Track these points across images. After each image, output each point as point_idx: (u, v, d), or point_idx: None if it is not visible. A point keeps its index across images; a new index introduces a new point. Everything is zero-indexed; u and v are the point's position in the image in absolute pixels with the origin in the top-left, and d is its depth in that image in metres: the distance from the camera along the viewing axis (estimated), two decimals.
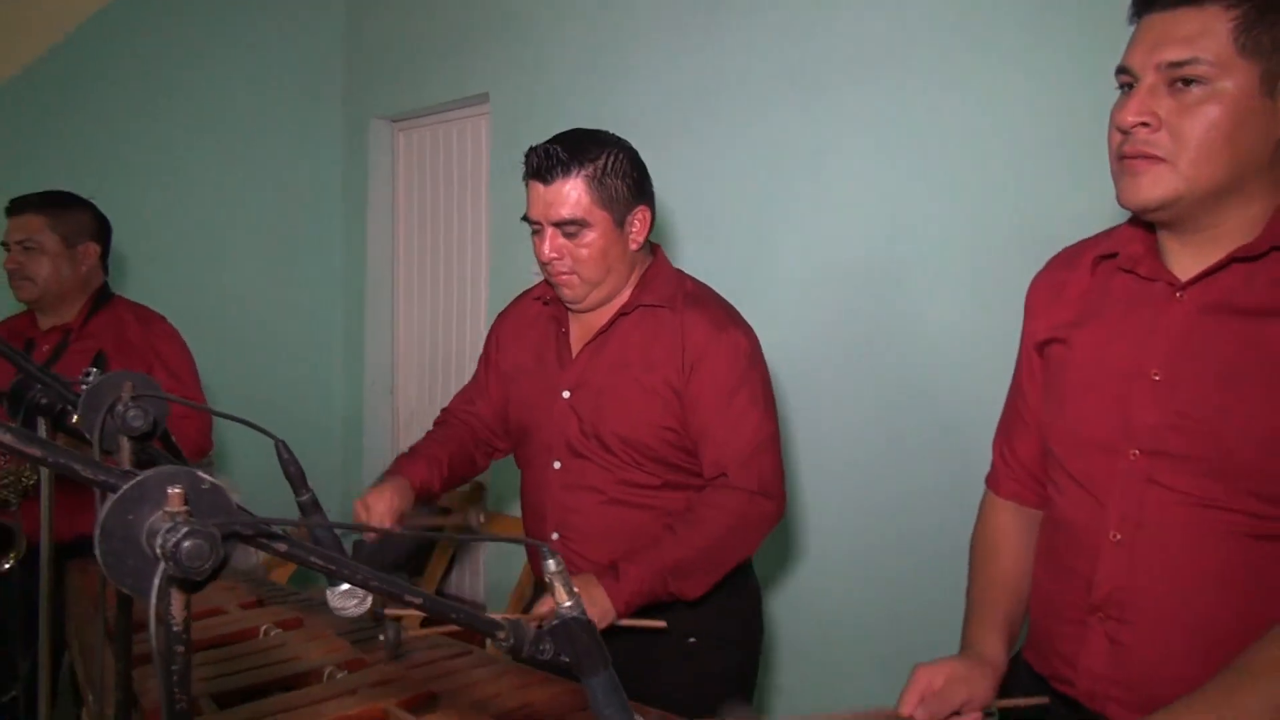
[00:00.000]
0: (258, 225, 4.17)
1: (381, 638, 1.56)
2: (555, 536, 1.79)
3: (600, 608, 1.54)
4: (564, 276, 1.71)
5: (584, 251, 1.68)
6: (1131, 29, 1.17)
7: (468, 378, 3.87)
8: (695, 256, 2.71)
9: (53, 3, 3.79)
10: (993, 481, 1.48)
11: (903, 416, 2.35)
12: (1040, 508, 1.42)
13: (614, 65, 3.02)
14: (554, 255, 1.69)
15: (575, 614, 0.90)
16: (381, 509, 1.69)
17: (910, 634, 2.26)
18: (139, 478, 0.68)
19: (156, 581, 0.65)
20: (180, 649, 0.69)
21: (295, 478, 1.26)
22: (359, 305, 4.26)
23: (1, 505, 2.18)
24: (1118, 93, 1.18)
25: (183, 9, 3.96)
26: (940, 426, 2.25)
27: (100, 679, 1.58)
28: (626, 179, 1.71)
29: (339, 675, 1.45)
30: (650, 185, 1.77)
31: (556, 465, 1.79)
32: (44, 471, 1.47)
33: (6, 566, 2.17)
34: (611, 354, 1.76)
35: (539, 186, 1.68)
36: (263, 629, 1.62)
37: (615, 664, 0.90)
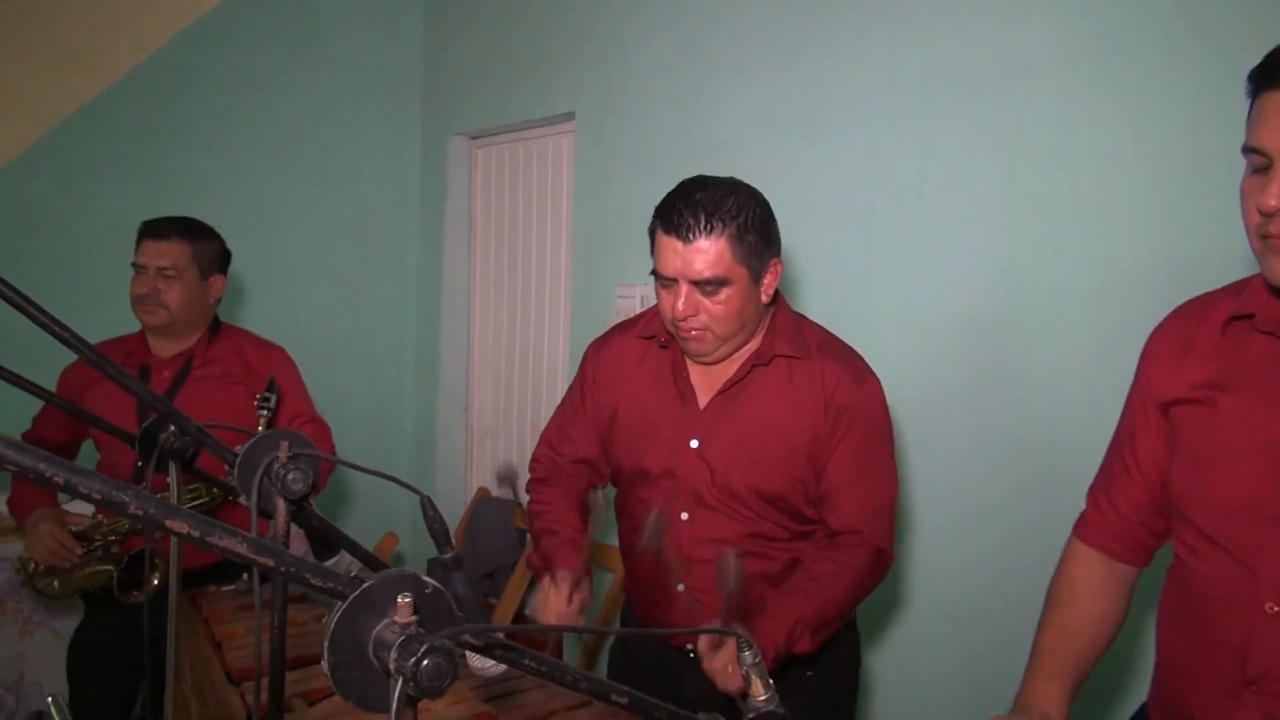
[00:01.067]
0: (336, 242, 4.21)
1: None
2: (681, 588, 1.75)
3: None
4: (695, 334, 1.66)
5: (719, 309, 1.63)
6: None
7: (543, 395, 3.96)
8: (788, 292, 2.65)
9: (135, 25, 3.83)
10: (1082, 530, 1.44)
11: (1018, 466, 2.25)
12: (1131, 563, 1.40)
13: (704, 84, 2.97)
14: (688, 312, 1.63)
15: (771, 708, 0.86)
16: (565, 610, 1.68)
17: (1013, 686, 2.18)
18: (365, 585, 0.65)
19: (394, 703, 0.62)
20: None
21: (439, 535, 1.24)
22: (434, 321, 4.26)
23: (97, 549, 2.19)
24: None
25: (262, 30, 4.01)
26: (1056, 474, 2.16)
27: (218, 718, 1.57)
28: (762, 232, 1.65)
29: None
30: (778, 234, 1.71)
31: (684, 516, 1.74)
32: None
33: (143, 594, 2.17)
34: (746, 404, 1.71)
35: (676, 244, 1.61)
36: None
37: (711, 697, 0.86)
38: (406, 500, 4.28)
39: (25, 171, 3.65)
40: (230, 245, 2.50)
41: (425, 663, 0.62)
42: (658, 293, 1.69)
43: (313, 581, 0.64)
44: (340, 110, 4.18)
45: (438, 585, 0.67)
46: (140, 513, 0.59)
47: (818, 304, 2.60)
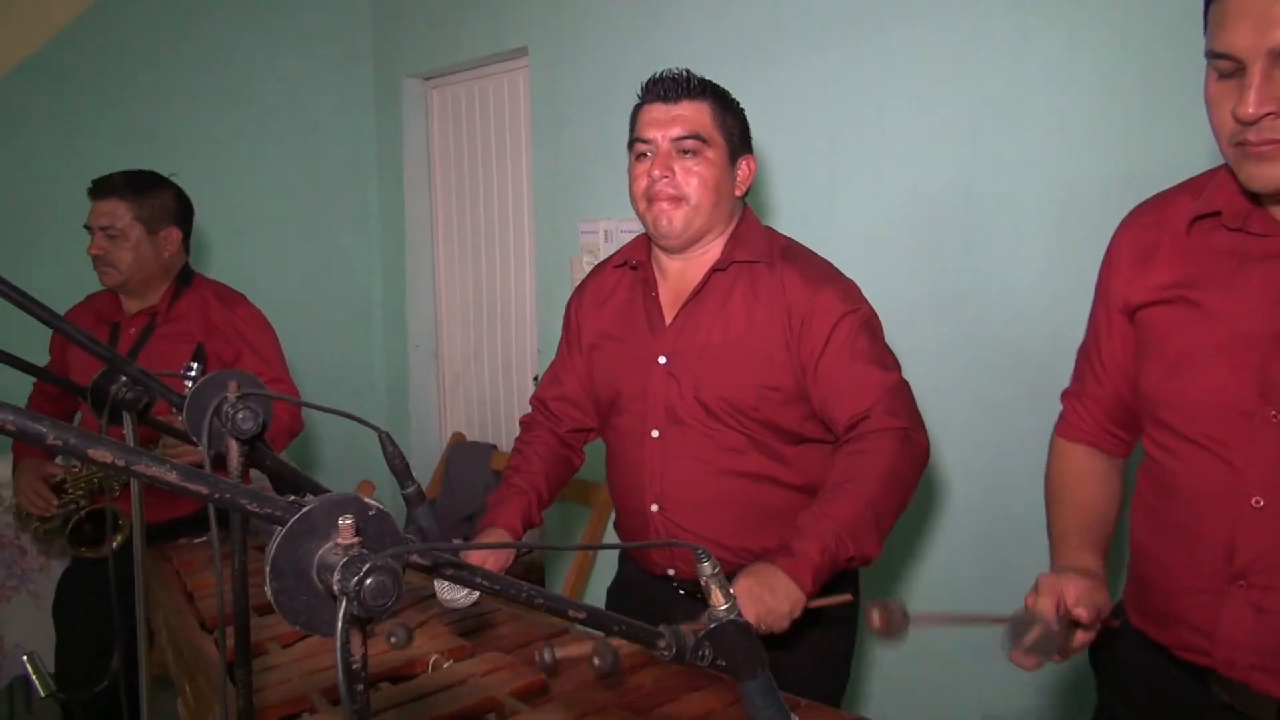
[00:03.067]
0: (295, 190, 4.13)
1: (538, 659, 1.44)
2: (655, 509, 1.73)
3: (787, 596, 1.42)
4: (666, 204, 1.64)
5: (694, 179, 1.64)
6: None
7: (512, 337, 3.93)
8: (755, 207, 2.63)
9: None
10: (1065, 430, 1.46)
11: (986, 375, 2.27)
12: (1116, 455, 1.42)
13: (660, 11, 2.91)
14: (663, 174, 1.64)
15: (732, 617, 0.86)
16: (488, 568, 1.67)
17: (999, 594, 2.22)
18: (305, 509, 0.64)
19: (340, 623, 0.61)
20: (360, 687, 0.65)
21: (400, 471, 1.23)
22: (399, 268, 4.21)
23: (71, 504, 2.18)
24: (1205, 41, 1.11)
25: None
26: (1026, 385, 2.17)
27: (195, 667, 1.57)
28: (742, 121, 1.72)
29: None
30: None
31: (655, 434, 1.72)
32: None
33: (114, 548, 2.16)
34: (709, 314, 1.69)
35: (659, 106, 1.66)
36: (431, 660, 1.47)
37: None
38: (376, 457, 4.27)
39: None
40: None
41: (369, 581, 0.61)
42: (631, 171, 1.70)
43: (249, 507, 0.63)
44: (290, 56, 4.07)
45: (381, 507, 0.66)
46: (59, 443, 0.57)
47: (779, 223, 2.58)
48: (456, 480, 3.88)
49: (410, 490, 1.23)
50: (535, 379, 3.63)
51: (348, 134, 4.24)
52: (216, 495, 0.62)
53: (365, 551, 0.63)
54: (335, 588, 0.62)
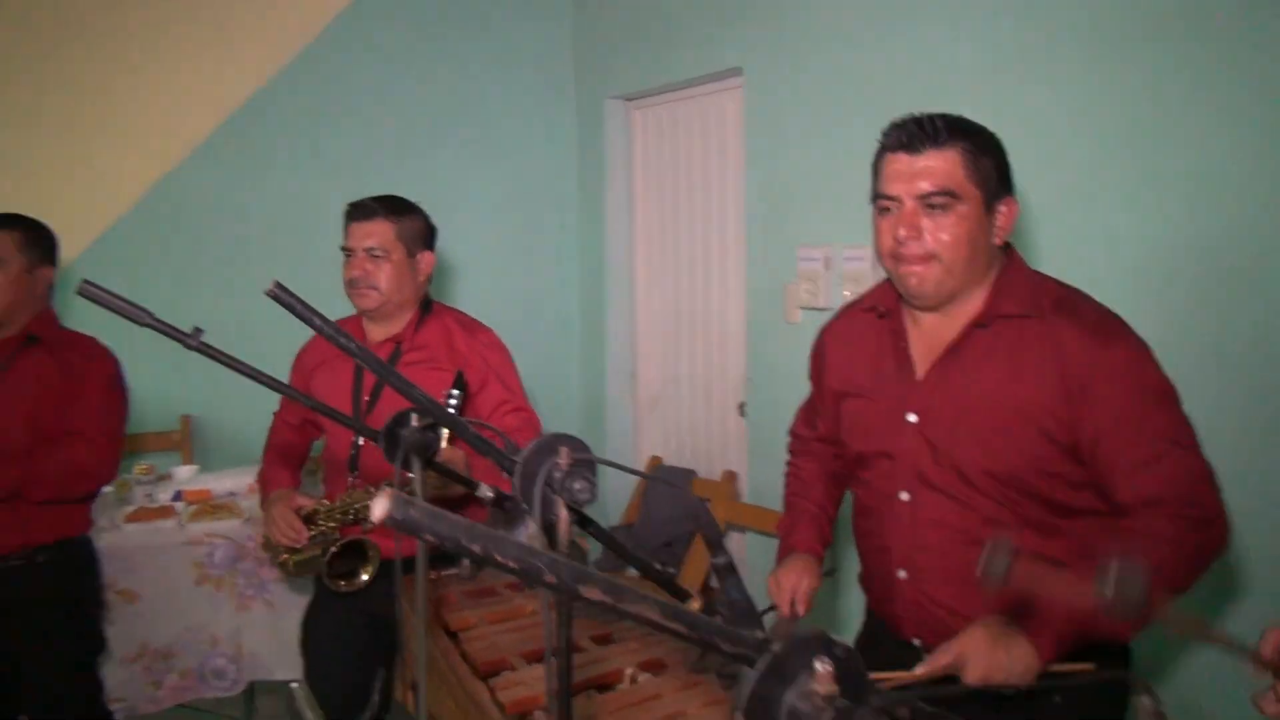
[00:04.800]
0: (497, 213, 4.22)
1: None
2: (903, 575, 1.62)
3: (1022, 657, 1.35)
4: (915, 265, 1.51)
5: (946, 235, 1.49)
6: None
7: (715, 362, 3.88)
8: (1020, 248, 2.45)
9: (295, 13, 3.88)
10: None
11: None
12: None
13: (893, 28, 2.79)
14: (909, 234, 1.49)
15: None
16: (790, 585, 1.64)
17: None
18: (777, 650, 0.58)
19: None
20: None
21: (714, 541, 1.17)
22: (599, 288, 4.23)
23: (360, 518, 2.21)
24: None
25: (413, 5, 4.02)
26: None
27: (472, 715, 1.56)
28: (999, 161, 1.53)
29: None
30: (1012, 176, 1.57)
31: (904, 497, 1.61)
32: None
33: (350, 586, 2.20)
34: (968, 373, 1.55)
35: (903, 157, 1.50)
36: (627, 673, 1.53)
37: None
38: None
39: (206, 160, 3.77)
40: None
41: None
42: (876, 225, 1.57)
43: (724, 648, 0.57)
44: (493, 81, 4.17)
45: (848, 646, 0.59)
46: (554, 581, 0.52)
47: (1036, 263, 2.41)
48: (655, 505, 3.85)
49: (722, 561, 1.17)
50: (741, 406, 3.56)
51: (549, 156, 4.30)
52: (696, 635, 0.56)
53: (849, 704, 0.56)
54: None
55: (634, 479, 4.10)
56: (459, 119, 4.11)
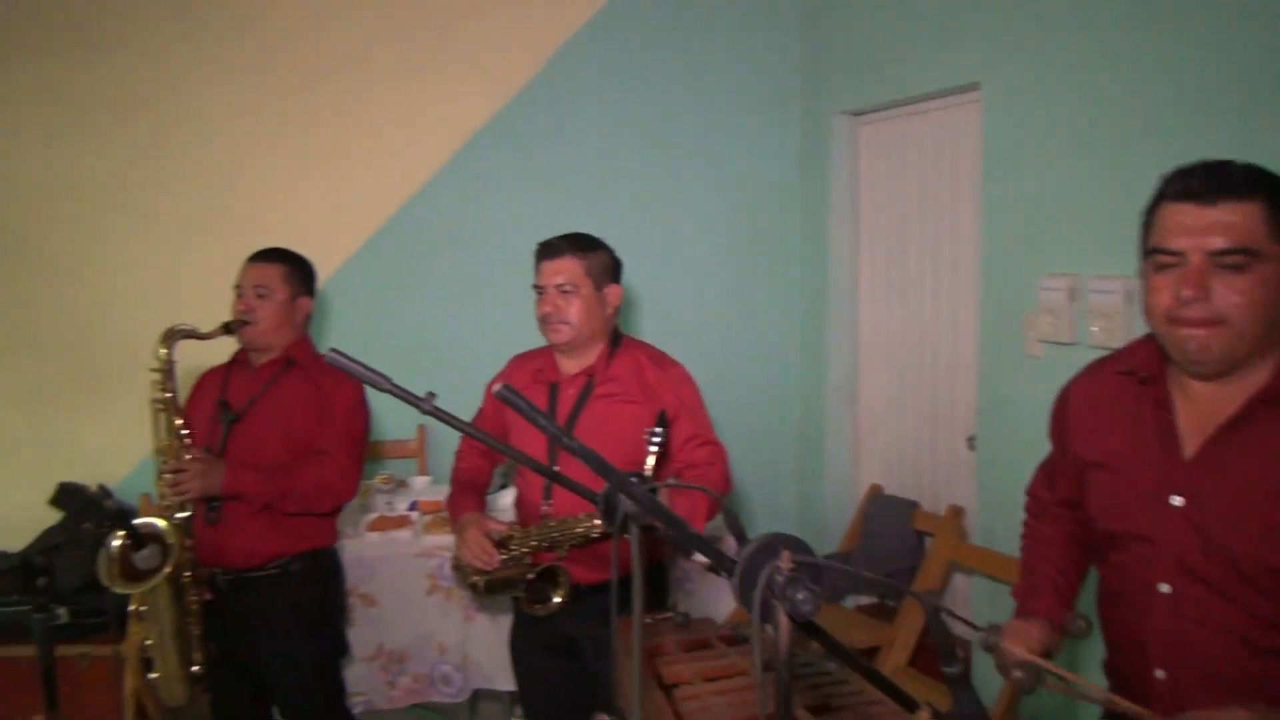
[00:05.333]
0: (717, 230, 4.22)
1: None
2: (1161, 675, 1.46)
3: None
4: (1198, 329, 1.34)
5: (1238, 298, 1.30)
6: None
7: (942, 387, 3.69)
8: None
9: (527, 37, 4.02)
10: None
11: None
12: None
13: (1144, 48, 2.53)
14: (1195, 295, 1.32)
15: None
16: (1022, 650, 1.52)
17: None
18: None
19: None
20: None
21: (946, 650, 1.08)
22: (820, 308, 4.13)
23: (554, 546, 2.27)
24: None
25: (641, 25, 4.07)
26: None
27: None
28: None
29: None
30: None
31: (1165, 589, 1.44)
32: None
33: (545, 610, 2.26)
34: (1250, 454, 1.37)
35: (1191, 209, 1.34)
36: None
37: None
38: (788, 500, 4.24)
39: (443, 187, 3.97)
40: (615, 241, 2.47)
41: None
42: (1149, 282, 1.39)
43: None
44: (716, 97, 4.16)
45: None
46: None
47: None
48: (875, 535, 3.71)
49: (954, 671, 1.08)
50: (971, 439, 3.37)
51: (771, 172, 4.24)
52: None
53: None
54: None
55: (852, 500, 3.99)
56: (681, 136, 4.13)
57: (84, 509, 3.28)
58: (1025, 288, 2.96)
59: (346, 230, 3.91)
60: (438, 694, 3.07)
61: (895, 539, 3.64)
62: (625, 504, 1.38)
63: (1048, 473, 1.77)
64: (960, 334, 3.48)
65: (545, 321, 2.35)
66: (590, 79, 4.05)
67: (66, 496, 3.74)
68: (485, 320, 3.94)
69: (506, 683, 3.04)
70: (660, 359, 2.44)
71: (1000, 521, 3.11)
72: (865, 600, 3.91)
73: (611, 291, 2.40)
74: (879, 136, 3.89)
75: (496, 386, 1.16)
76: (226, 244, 3.84)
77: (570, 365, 2.41)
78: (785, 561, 0.99)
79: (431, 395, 1.42)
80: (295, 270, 2.55)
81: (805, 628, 1.00)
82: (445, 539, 3.07)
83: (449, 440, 3.99)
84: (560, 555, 2.27)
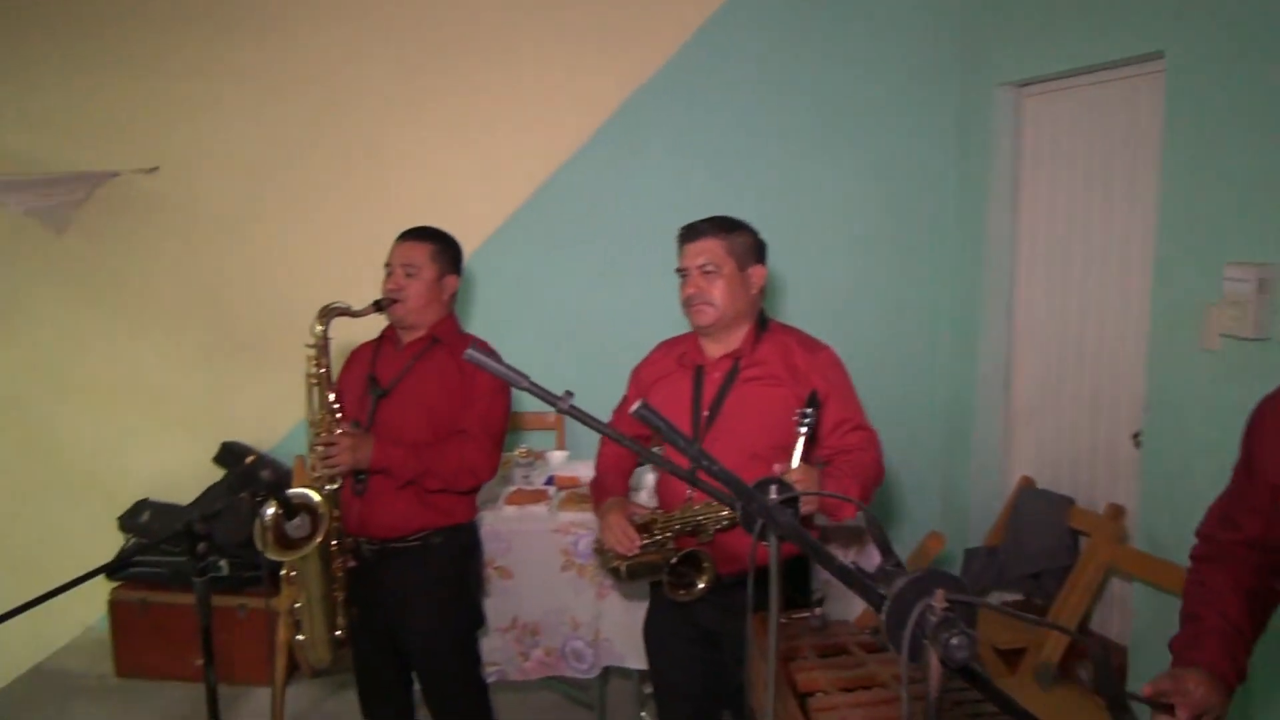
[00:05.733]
0: (865, 206, 4.07)
1: None
2: None
3: None
4: None
5: None
6: None
7: (1105, 379, 3.46)
8: None
9: (674, 9, 3.93)
10: None
11: None
12: None
13: None
14: None
15: None
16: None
17: None
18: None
19: None
20: None
21: (1115, 707, 0.99)
22: (974, 289, 3.93)
23: (697, 531, 2.23)
24: None
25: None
26: None
27: None
28: None
29: None
30: None
31: None
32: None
33: (690, 595, 2.22)
34: None
35: None
36: None
37: None
38: (932, 487, 4.08)
39: (588, 158, 3.96)
40: (760, 220, 2.38)
41: None
42: None
43: None
44: (869, 69, 3.99)
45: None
46: None
47: None
48: (1025, 530, 3.53)
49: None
50: (1135, 436, 3.15)
51: (925, 148, 4.05)
52: None
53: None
54: None
55: (999, 491, 3.81)
56: (830, 110, 3.99)
57: (243, 477, 3.45)
58: (1205, 276, 2.72)
59: (492, 204, 3.96)
60: (569, 669, 3.10)
61: (1048, 536, 3.45)
62: (767, 511, 1.34)
63: (1226, 509, 1.59)
64: (1128, 323, 3.24)
65: (689, 304, 2.31)
66: (737, 52, 3.95)
67: (228, 455, 3.96)
68: (628, 300, 3.93)
69: (637, 661, 3.04)
70: (809, 343, 2.36)
71: (1166, 526, 2.89)
72: (1010, 595, 3.73)
73: (755, 272, 2.33)
74: (1045, 110, 3.65)
75: (634, 407, 1.12)
76: (375, 217, 3.96)
77: (715, 348, 2.36)
78: (939, 601, 0.92)
79: (569, 394, 1.40)
80: (443, 249, 2.58)
81: (960, 672, 0.93)
82: (580, 516, 3.09)
83: (589, 410, 4.03)
84: (704, 540, 2.23)
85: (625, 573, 2.29)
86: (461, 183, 3.92)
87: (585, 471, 3.47)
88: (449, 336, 2.57)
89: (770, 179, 3.96)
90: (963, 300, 4.02)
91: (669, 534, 2.27)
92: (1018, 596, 3.70)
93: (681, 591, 2.25)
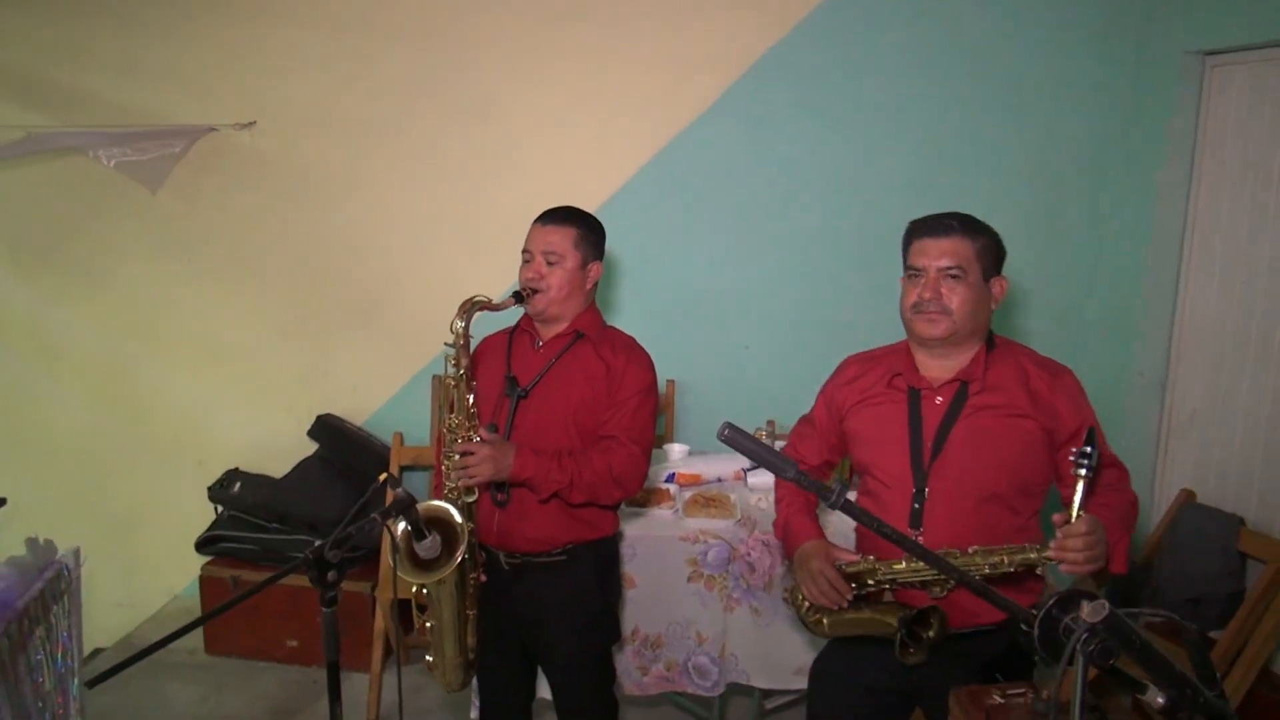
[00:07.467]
0: (1015, 181, 3.72)
1: None
2: None
3: None
4: None
5: None
6: None
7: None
8: None
9: None
10: None
11: None
12: None
13: None
14: None
15: None
16: None
17: None
18: None
19: None
20: None
21: None
22: (1131, 278, 3.59)
23: (926, 586, 1.93)
24: None
25: None
26: None
27: None
28: None
29: None
30: None
31: None
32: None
33: (919, 656, 1.92)
34: None
35: None
36: None
37: None
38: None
39: (711, 122, 3.66)
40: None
41: None
42: None
43: None
44: (1031, 28, 3.61)
45: None
46: None
47: None
48: (1186, 549, 3.22)
49: None
50: None
51: (1090, 118, 3.68)
52: None
53: None
54: None
55: (1151, 504, 3.49)
56: (983, 72, 3.63)
57: (376, 497, 3.24)
58: None
59: (612, 169, 3.67)
60: (691, 685, 2.88)
61: (1212, 558, 3.14)
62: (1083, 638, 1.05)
63: None
64: None
65: (918, 310, 1.95)
66: (880, 5, 3.59)
67: (323, 429, 3.78)
68: (753, 276, 3.65)
69: (762, 679, 2.83)
70: (1046, 363, 2.02)
71: None
72: (1153, 617, 3.43)
73: (998, 284, 1.99)
74: (1236, 82, 3.26)
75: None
76: (485, 180, 3.71)
77: (937, 369, 2.00)
78: (1085, 613, 0.67)
79: (844, 487, 1.14)
80: (587, 233, 2.30)
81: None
82: (709, 523, 2.85)
83: (699, 400, 3.78)
84: (936, 596, 1.91)
85: (828, 628, 2.00)
86: (578, 146, 3.66)
87: (707, 469, 3.23)
88: (593, 331, 2.31)
89: (910, 146, 3.63)
90: (1117, 291, 3.68)
91: (886, 584, 1.95)
92: (1159, 617, 3.39)
93: (910, 652, 1.90)
